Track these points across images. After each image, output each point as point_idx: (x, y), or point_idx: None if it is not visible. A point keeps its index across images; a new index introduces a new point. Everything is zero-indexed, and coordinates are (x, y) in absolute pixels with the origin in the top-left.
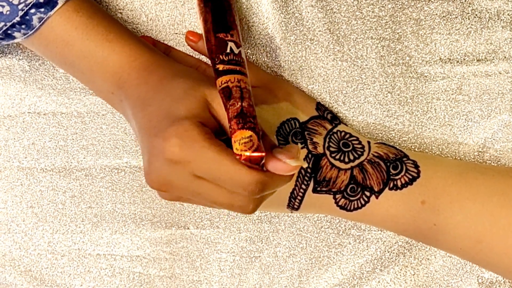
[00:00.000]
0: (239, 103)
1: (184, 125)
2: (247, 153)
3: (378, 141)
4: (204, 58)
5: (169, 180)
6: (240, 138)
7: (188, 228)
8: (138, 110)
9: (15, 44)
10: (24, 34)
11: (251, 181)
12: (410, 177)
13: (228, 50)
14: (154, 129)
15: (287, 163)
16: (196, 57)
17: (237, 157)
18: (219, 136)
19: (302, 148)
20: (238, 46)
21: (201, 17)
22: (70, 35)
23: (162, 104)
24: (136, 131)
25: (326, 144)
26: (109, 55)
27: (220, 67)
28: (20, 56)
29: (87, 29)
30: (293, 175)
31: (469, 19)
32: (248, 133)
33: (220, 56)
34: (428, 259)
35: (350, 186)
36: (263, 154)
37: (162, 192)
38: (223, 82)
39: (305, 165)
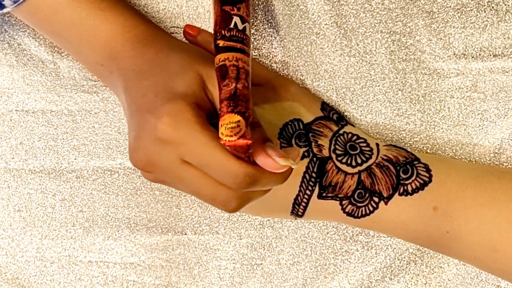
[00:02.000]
0: (234, 84)
1: (179, 104)
2: (232, 139)
3: (388, 143)
4: None
5: (155, 160)
6: (228, 122)
7: (186, 234)
8: (132, 83)
9: (1, 38)
10: (15, 2)
11: (239, 172)
12: (422, 181)
13: (231, 25)
14: (148, 104)
15: (276, 161)
16: None
17: (222, 142)
18: (212, 120)
19: (306, 150)
20: (244, 21)
21: None
22: (59, 2)
23: (159, 79)
24: (126, 105)
25: (332, 147)
26: (101, 24)
27: (221, 43)
28: (7, 50)
29: None
30: (286, 177)
31: (485, 11)
32: (237, 117)
33: (222, 31)
34: (441, 267)
35: (358, 191)
36: (249, 141)
37: (145, 173)
38: (220, 60)
39: (294, 166)
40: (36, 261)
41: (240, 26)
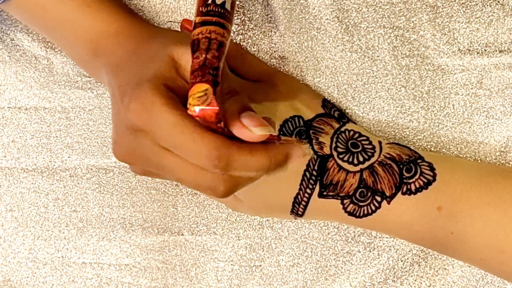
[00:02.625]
0: (203, 55)
1: (145, 87)
2: (198, 108)
3: (390, 141)
4: None
5: (133, 150)
6: (196, 92)
7: (183, 234)
8: (111, 77)
9: None
10: None
11: (212, 148)
12: (425, 180)
13: (209, 1)
14: (121, 93)
15: (252, 131)
16: None
17: (190, 112)
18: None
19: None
20: None
21: None
22: (47, 0)
23: (133, 67)
24: (111, 97)
25: (333, 144)
26: (85, 21)
27: (197, 19)
28: None
29: None
30: (268, 166)
31: (490, 6)
32: (204, 86)
33: (200, 8)
34: (446, 269)
35: (360, 190)
36: (216, 108)
37: (131, 166)
38: (194, 35)
39: (273, 132)
40: (28, 262)
41: (219, 1)
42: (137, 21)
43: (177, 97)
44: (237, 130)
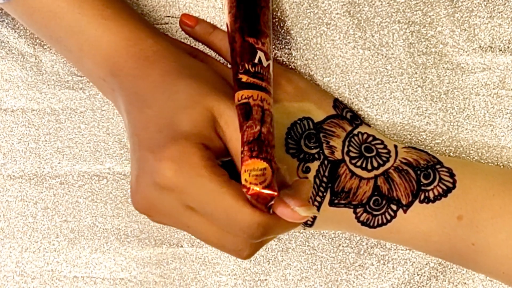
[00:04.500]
0: (258, 127)
1: (183, 146)
2: (257, 188)
3: (407, 145)
4: (201, 46)
5: (156, 206)
6: (253, 168)
7: (182, 246)
8: (134, 109)
9: None
10: None
11: (252, 223)
12: (445, 187)
13: (256, 60)
14: (149, 140)
15: (296, 212)
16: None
17: (244, 190)
18: (222, 158)
19: (316, 152)
20: (267, 58)
21: (230, 12)
22: (59, 6)
23: (163, 110)
24: (129, 132)
25: (346, 149)
26: (103, 35)
27: (244, 78)
28: None
29: (80, 1)
30: (304, 220)
31: None
32: (263, 164)
33: (246, 65)
34: (465, 283)
35: (374, 198)
36: (276, 193)
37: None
38: (243, 97)
39: (317, 214)
40: (15, 276)
41: (265, 63)
42: (160, 41)
43: (215, 158)
44: (280, 209)
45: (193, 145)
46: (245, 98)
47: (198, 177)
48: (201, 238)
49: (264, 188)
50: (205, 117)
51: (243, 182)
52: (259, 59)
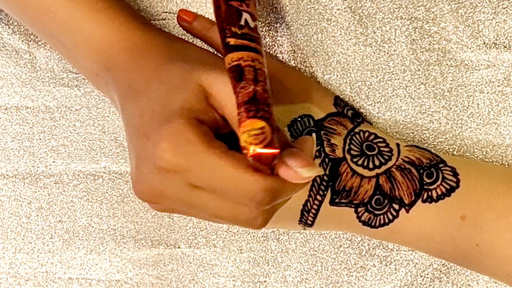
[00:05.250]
0: (252, 86)
1: (177, 124)
2: (258, 148)
3: (409, 143)
4: (200, 43)
5: (161, 191)
6: (251, 128)
7: (179, 247)
8: (128, 101)
9: None
10: None
11: (259, 188)
12: (448, 187)
13: (242, 22)
14: (145, 126)
15: (299, 173)
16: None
17: (244, 151)
18: (221, 130)
19: (317, 150)
20: (254, 19)
21: None
22: (52, 0)
23: (156, 95)
24: (124, 123)
25: (347, 147)
26: (96, 28)
27: (232, 41)
28: None
29: None
30: (310, 179)
31: None
32: (261, 123)
33: (232, 29)
34: (469, 285)
35: (375, 197)
36: (277, 151)
37: (152, 204)
38: (233, 60)
39: (322, 173)
40: (9, 278)
41: (252, 24)
42: (152, 32)
43: (210, 132)
44: (283, 171)
45: (187, 122)
46: (236, 60)
47: (196, 153)
48: (212, 215)
49: (264, 147)
50: (196, 91)
51: (242, 143)
52: (245, 21)
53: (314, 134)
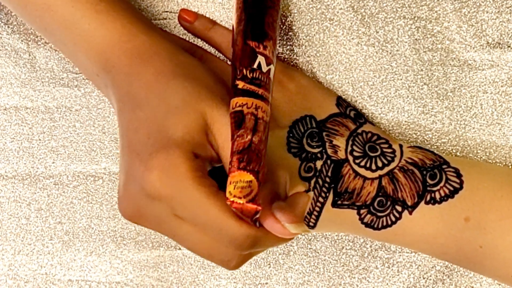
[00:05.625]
0: (249, 136)
1: (172, 155)
2: (240, 201)
3: (412, 144)
4: (200, 42)
5: (144, 214)
6: (238, 180)
7: (180, 249)
8: (125, 108)
9: None
10: None
11: (241, 233)
12: (451, 188)
13: (255, 65)
14: (138, 145)
15: (285, 228)
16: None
17: (228, 202)
18: (215, 163)
19: (319, 151)
20: (268, 62)
21: (236, 12)
22: None
23: (155, 113)
24: (119, 131)
25: (349, 148)
26: (96, 29)
27: (240, 84)
28: None
29: None
30: (294, 236)
31: None
32: (249, 177)
33: (244, 71)
34: (473, 287)
35: (378, 199)
36: (259, 208)
37: (134, 223)
38: (237, 105)
39: (308, 232)
40: (8, 280)
41: (265, 68)
42: (154, 37)
43: (204, 168)
44: (269, 223)
45: (182, 155)
46: (239, 106)
47: (185, 188)
48: (189, 247)
49: (248, 202)
50: (198, 123)
51: (227, 194)
52: (259, 64)
53: (311, 193)
